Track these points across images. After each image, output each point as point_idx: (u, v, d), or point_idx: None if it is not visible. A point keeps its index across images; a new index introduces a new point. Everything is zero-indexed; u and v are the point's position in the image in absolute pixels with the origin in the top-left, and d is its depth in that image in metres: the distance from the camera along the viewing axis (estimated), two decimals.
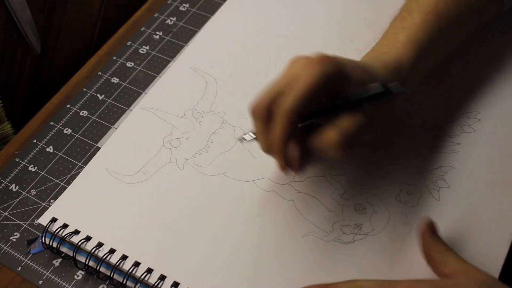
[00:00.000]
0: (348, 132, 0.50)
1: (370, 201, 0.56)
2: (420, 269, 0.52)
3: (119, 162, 0.61)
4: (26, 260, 0.57)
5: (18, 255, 0.58)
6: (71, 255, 0.56)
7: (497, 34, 0.67)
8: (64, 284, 0.56)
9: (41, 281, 0.56)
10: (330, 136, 0.49)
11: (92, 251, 0.55)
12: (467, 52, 0.66)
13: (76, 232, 0.56)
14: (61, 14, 0.78)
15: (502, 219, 0.54)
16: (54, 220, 0.57)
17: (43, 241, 0.57)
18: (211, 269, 0.53)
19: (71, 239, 0.56)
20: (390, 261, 0.53)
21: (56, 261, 0.57)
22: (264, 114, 0.51)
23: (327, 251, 0.54)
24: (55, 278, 0.56)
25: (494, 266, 0.52)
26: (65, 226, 0.57)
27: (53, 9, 0.76)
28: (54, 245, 0.56)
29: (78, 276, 0.56)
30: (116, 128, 0.65)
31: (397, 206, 0.56)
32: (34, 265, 0.57)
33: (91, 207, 0.58)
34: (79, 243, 0.55)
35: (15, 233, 0.59)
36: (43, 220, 0.57)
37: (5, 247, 0.58)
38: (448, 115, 0.62)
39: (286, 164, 0.52)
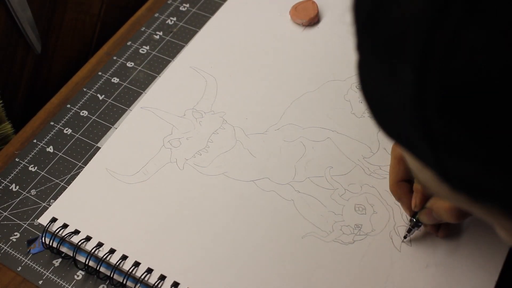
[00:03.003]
0: None
1: (370, 202, 0.56)
2: (420, 269, 0.52)
3: (119, 162, 0.61)
4: (26, 260, 0.57)
5: (18, 255, 0.58)
6: (71, 255, 0.56)
7: None
8: (64, 284, 0.56)
9: (41, 281, 0.56)
10: (443, 203, 0.49)
11: (92, 251, 0.55)
12: None
13: (76, 232, 0.56)
14: (61, 14, 0.77)
15: None
16: (54, 220, 0.57)
17: (43, 241, 0.57)
18: (211, 269, 0.53)
19: (71, 239, 0.56)
20: (390, 262, 0.53)
21: (56, 261, 0.57)
22: (398, 151, 0.53)
23: (327, 252, 0.54)
24: (55, 278, 0.56)
25: (494, 266, 0.52)
26: (65, 226, 0.57)
27: (54, 9, 0.76)
28: (54, 245, 0.56)
29: (78, 276, 0.56)
30: (116, 128, 0.65)
31: (397, 207, 0.56)
32: (34, 265, 0.57)
33: (91, 207, 0.58)
34: (79, 243, 0.55)
35: (15, 233, 0.59)
36: (43, 220, 0.57)
37: (5, 247, 0.58)
38: None
39: (400, 202, 0.55)
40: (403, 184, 0.53)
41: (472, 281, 0.51)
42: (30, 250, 0.58)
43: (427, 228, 0.54)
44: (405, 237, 0.54)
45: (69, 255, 0.57)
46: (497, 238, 0.53)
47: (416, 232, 0.54)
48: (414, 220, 0.52)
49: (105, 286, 0.55)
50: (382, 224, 0.55)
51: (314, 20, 0.71)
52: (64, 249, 0.57)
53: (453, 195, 0.27)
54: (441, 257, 0.53)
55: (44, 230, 0.57)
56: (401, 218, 0.55)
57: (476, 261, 0.52)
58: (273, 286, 0.52)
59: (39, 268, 0.57)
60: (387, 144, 0.60)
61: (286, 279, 0.53)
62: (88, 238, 0.56)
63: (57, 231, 0.56)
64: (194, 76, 0.68)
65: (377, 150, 0.60)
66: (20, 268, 0.57)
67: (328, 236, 0.55)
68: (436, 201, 0.50)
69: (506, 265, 0.52)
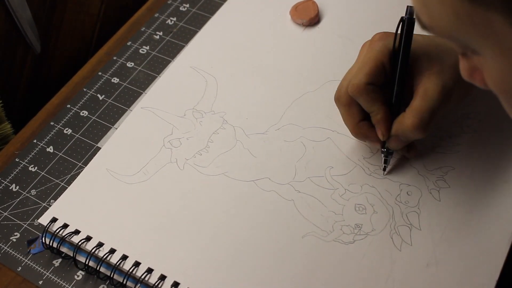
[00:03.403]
0: (423, 113, 0.52)
1: (370, 201, 0.56)
2: (420, 268, 0.52)
3: (119, 162, 0.61)
4: (26, 260, 0.57)
5: (18, 255, 0.58)
6: (71, 255, 0.56)
7: None
8: (64, 284, 0.56)
9: (41, 281, 0.56)
10: (407, 122, 0.53)
11: (92, 251, 0.55)
12: None
13: (76, 232, 0.56)
14: (61, 14, 0.77)
15: (502, 219, 0.54)
16: (54, 220, 0.57)
17: (43, 241, 0.57)
18: (211, 269, 0.53)
19: (71, 239, 0.56)
20: (390, 261, 0.53)
21: (56, 261, 0.57)
22: (344, 99, 0.55)
23: (327, 251, 0.54)
24: (55, 278, 0.56)
25: (494, 266, 0.52)
26: (65, 226, 0.57)
27: (53, 9, 0.76)
28: (54, 245, 0.56)
29: (78, 276, 0.56)
30: (117, 128, 0.65)
31: (398, 206, 0.56)
32: (34, 265, 0.57)
33: (91, 207, 0.58)
34: (79, 243, 0.55)
35: (15, 233, 0.59)
36: (43, 220, 0.57)
37: (5, 247, 0.58)
38: (449, 115, 0.62)
39: (367, 141, 0.58)
40: (362, 124, 0.56)
41: (473, 280, 0.51)
42: (30, 250, 0.58)
43: (400, 151, 0.58)
44: (384, 169, 0.57)
45: (69, 255, 0.56)
46: (497, 238, 0.53)
47: (416, 231, 0.54)
48: (384, 150, 0.56)
49: (105, 286, 0.55)
50: (382, 224, 0.55)
51: (314, 20, 0.71)
52: (64, 249, 0.57)
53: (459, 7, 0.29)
54: (441, 256, 0.53)
55: (44, 230, 0.57)
56: (401, 217, 0.55)
57: (477, 260, 0.52)
58: (273, 286, 0.52)
59: (39, 268, 0.57)
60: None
61: (286, 278, 0.53)
62: (88, 238, 0.56)
63: (57, 231, 0.56)
64: (194, 76, 0.68)
65: (377, 150, 0.60)
66: (20, 268, 0.57)
67: (329, 236, 0.55)
68: (399, 125, 0.53)
69: (507, 264, 0.52)
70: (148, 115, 0.64)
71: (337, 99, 0.56)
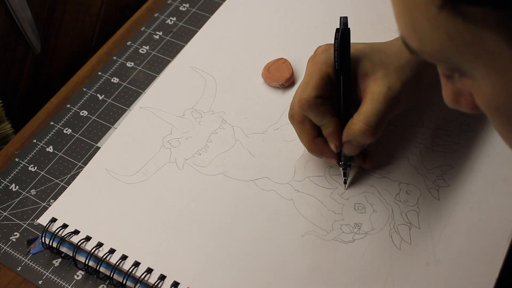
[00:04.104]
0: (370, 117, 0.52)
1: (369, 201, 0.56)
2: (420, 267, 0.52)
3: (118, 162, 0.61)
4: (26, 260, 0.57)
5: (18, 255, 0.58)
6: (71, 255, 0.56)
7: None
8: (64, 284, 0.56)
9: (41, 281, 0.56)
10: (355, 127, 0.53)
11: (92, 251, 0.55)
12: None
13: (76, 232, 0.56)
14: (61, 14, 0.78)
15: (502, 218, 0.54)
16: (54, 220, 0.57)
17: (43, 241, 0.57)
18: (211, 268, 0.53)
19: (71, 239, 0.56)
20: (389, 260, 0.53)
21: (56, 261, 0.57)
22: (297, 116, 0.56)
23: (326, 250, 0.54)
24: (55, 278, 0.56)
25: (494, 266, 0.52)
26: (65, 226, 0.57)
27: (53, 9, 0.76)
28: (54, 245, 0.56)
29: (78, 276, 0.56)
30: (116, 128, 0.65)
31: (397, 205, 0.56)
32: (34, 265, 0.57)
33: (91, 207, 0.58)
34: (79, 243, 0.55)
35: (15, 233, 0.59)
36: (43, 220, 0.57)
37: (5, 247, 0.58)
38: (447, 114, 0.61)
39: (323, 157, 0.58)
40: (317, 140, 0.56)
41: (472, 278, 0.51)
42: (30, 250, 0.58)
43: (356, 162, 0.58)
44: (345, 182, 0.57)
45: (69, 255, 0.57)
46: (497, 237, 0.53)
47: (415, 230, 0.54)
48: (342, 161, 0.56)
49: (105, 286, 0.55)
50: (382, 223, 0.55)
51: (290, 81, 0.66)
52: (64, 249, 0.57)
53: (446, 21, 0.28)
54: (441, 255, 0.53)
55: (44, 230, 0.57)
56: (401, 216, 0.55)
57: (476, 260, 0.52)
58: (273, 285, 0.52)
59: (39, 268, 0.57)
60: (386, 143, 0.60)
61: (286, 277, 0.53)
62: (88, 238, 0.56)
63: (57, 231, 0.56)
64: (193, 76, 0.68)
65: (376, 148, 0.60)
66: (20, 268, 0.57)
67: (328, 235, 0.55)
68: (349, 131, 0.53)
69: (506, 265, 0.52)
70: (147, 115, 0.64)
71: (291, 117, 0.56)
